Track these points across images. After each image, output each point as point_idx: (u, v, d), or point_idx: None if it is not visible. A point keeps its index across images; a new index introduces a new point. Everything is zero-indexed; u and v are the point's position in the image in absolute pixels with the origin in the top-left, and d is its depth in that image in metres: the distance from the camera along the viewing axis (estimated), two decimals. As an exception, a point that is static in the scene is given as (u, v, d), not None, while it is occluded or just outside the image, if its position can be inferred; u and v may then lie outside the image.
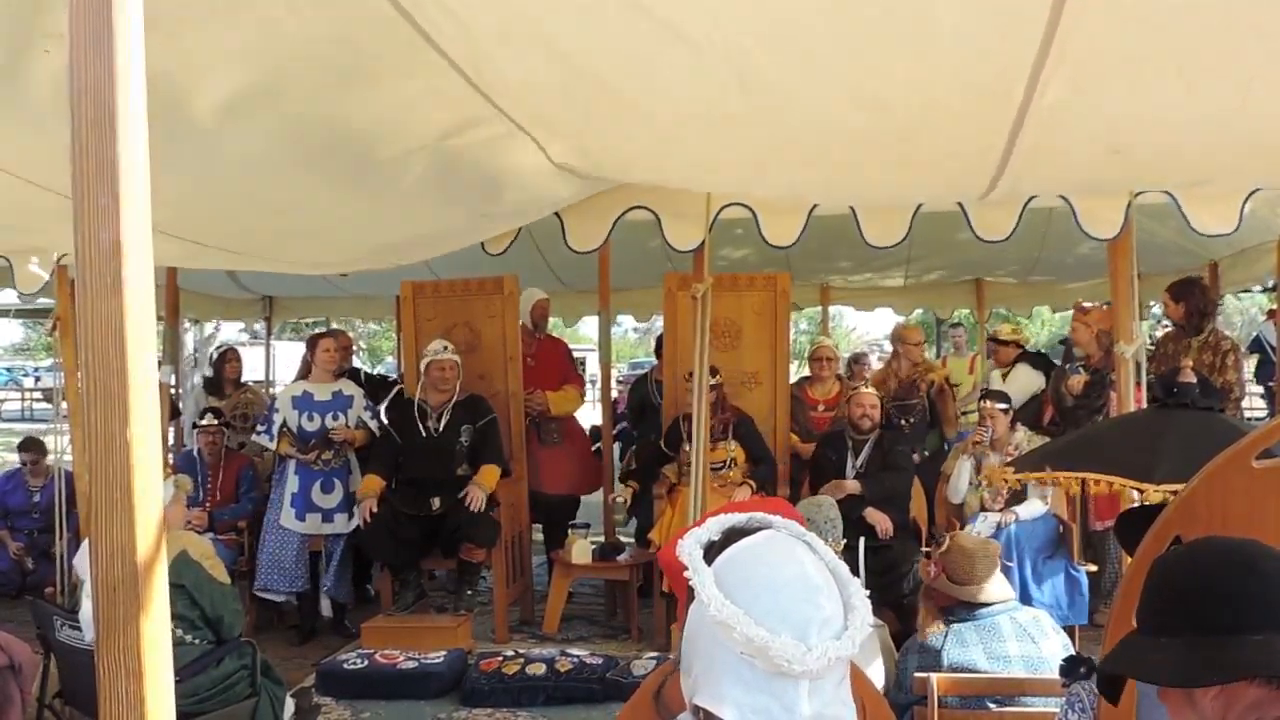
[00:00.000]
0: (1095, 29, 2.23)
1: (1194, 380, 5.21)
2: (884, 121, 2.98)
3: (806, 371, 6.69)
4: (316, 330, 7.78)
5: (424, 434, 5.53)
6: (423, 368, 5.62)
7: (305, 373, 6.11)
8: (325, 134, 3.01)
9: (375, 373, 7.36)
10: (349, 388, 5.87)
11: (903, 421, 6.21)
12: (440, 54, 2.46)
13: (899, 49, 2.43)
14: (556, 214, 4.71)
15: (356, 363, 8.25)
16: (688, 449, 5.46)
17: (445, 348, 5.61)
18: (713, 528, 1.17)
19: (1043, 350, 8.79)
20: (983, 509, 5.08)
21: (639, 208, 4.67)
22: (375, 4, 2.13)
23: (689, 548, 1.13)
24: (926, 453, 6.21)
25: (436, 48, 2.40)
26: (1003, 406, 5.27)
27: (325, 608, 5.69)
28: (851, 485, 5.19)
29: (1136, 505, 2.72)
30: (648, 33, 2.32)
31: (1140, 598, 1.33)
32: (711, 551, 1.14)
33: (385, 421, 5.78)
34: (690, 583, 1.09)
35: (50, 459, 6.39)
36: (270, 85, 2.55)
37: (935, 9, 2.19)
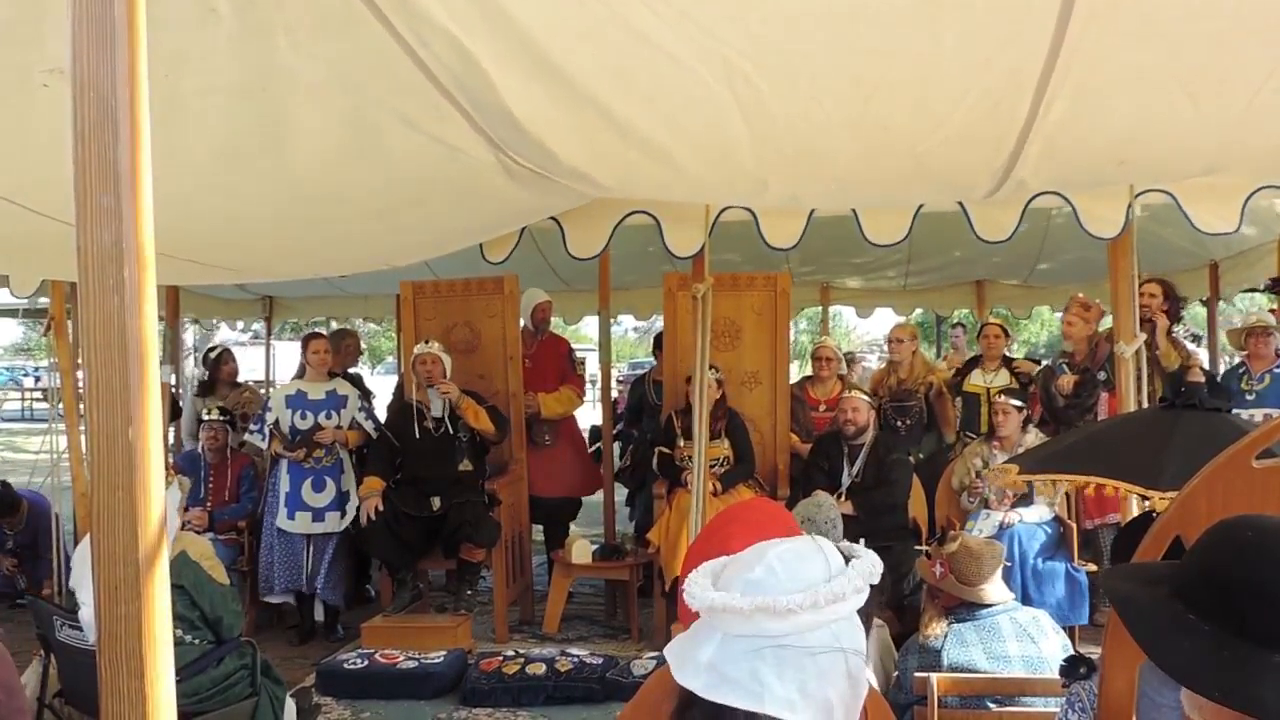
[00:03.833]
0: (1099, 44, 2.23)
1: (1202, 380, 5.23)
2: (887, 143, 2.97)
3: (808, 371, 6.68)
4: (315, 330, 7.77)
5: (420, 434, 5.54)
6: (412, 367, 5.65)
7: (302, 371, 6.11)
8: (324, 174, 3.04)
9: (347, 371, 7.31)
10: (343, 388, 5.86)
11: (899, 423, 6.21)
12: (442, 92, 2.46)
13: (901, 72, 2.43)
14: (556, 220, 4.72)
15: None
16: (682, 445, 5.48)
17: (428, 342, 5.64)
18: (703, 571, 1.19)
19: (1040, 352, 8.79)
20: (985, 507, 5.08)
21: (639, 212, 4.67)
22: (376, 38, 2.13)
23: (698, 586, 1.13)
24: (922, 455, 6.20)
25: (437, 83, 2.41)
26: (1017, 404, 5.27)
27: (318, 611, 5.69)
28: (844, 506, 5.17)
29: (1137, 515, 2.73)
30: (649, 60, 2.32)
31: (1196, 553, 1.22)
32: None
33: (382, 423, 5.78)
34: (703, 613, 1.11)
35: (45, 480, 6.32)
36: (269, 122, 2.57)
37: (937, 30, 2.18)
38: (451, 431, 5.54)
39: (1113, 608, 1.28)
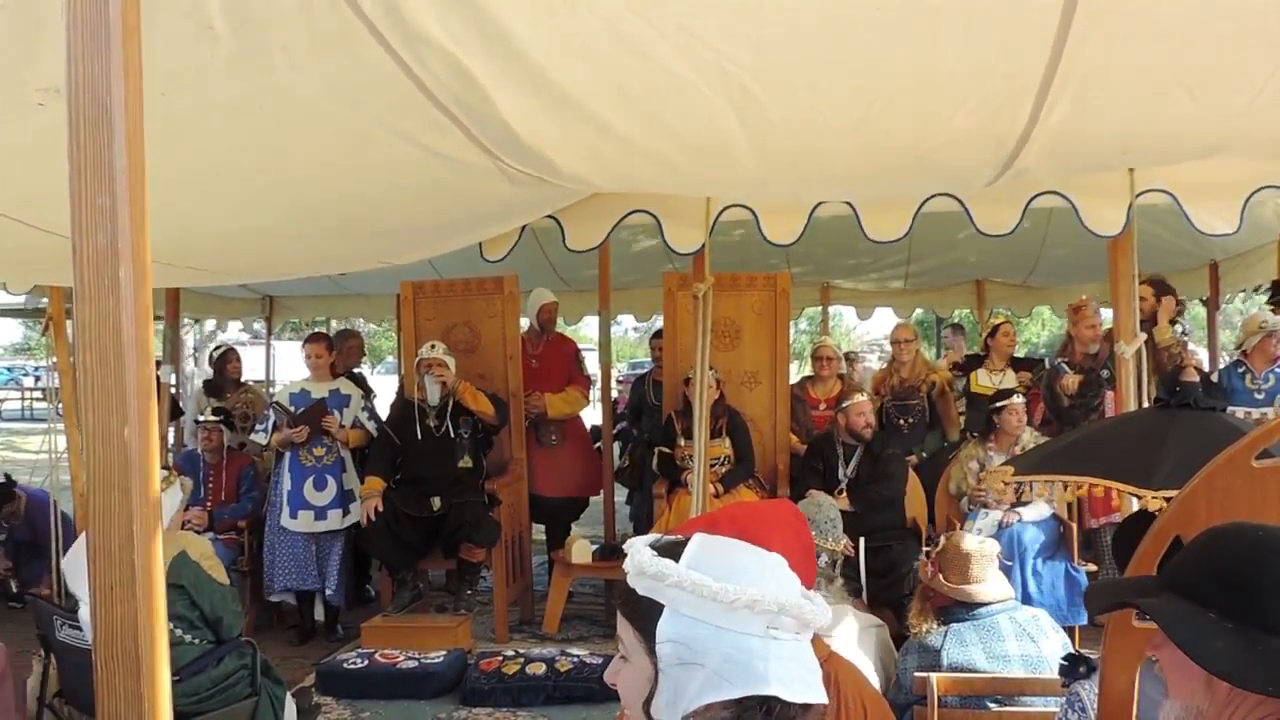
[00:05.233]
0: (1101, 48, 2.22)
1: (1197, 380, 5.23)
2: (887, 147, 2.98)
3: (808, 371, 6.69)
4: (317, 330, 7.80)
5: (421, 433, 5.54)
6: (415, 368, 5.66)
7: None
8: (323, 186, 3.05)
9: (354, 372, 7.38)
10: (347, 387, 5.89)
11: (901, 421, 6.21)
12: (440, 108, 2.47)
13: (902, 80, 2.42)
14: (556, 219, 4.71)
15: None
16: (683, 444, 5.48)
17: (433, 346, 5.64)
18: (639, 543, 1.20)
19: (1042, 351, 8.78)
20: (984, 506, 5.08)
21: (639, 211, 4.66)
22: (373, 57, 2.13)
23: (647, 559, 1.15)
24: (925, 454, 6.20)
25: (435, 100, 2.41)
26: (1023, 404, 5.29)
27: (318, 611, 5.70)
28: (842, 502, 5.17)
29: (1135, 512, 2.73)
30: (647, 74, 2.32)
31: (1199, 557, 1.25)
32: (668, 555, 1.16)
33: (383, 422, 5.79)
34: (662, 591, 1.12)
35: (48, 479, 6.29)
36: (267, 138, 2.57)
37: (938, 34, 2.18)
38: (452, 432, 5.54)
39: (1150, 618, 1.29)
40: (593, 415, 8.66)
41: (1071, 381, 5.49)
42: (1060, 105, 2.54)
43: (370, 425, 5.78)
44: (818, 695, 1.12)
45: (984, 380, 6.21)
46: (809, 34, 2.16)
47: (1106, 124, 2.80)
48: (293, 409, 5.66)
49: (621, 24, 2.06)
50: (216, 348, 7.61)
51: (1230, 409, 5.28)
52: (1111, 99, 2.58)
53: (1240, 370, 5.61)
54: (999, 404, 5.31)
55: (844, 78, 2.41)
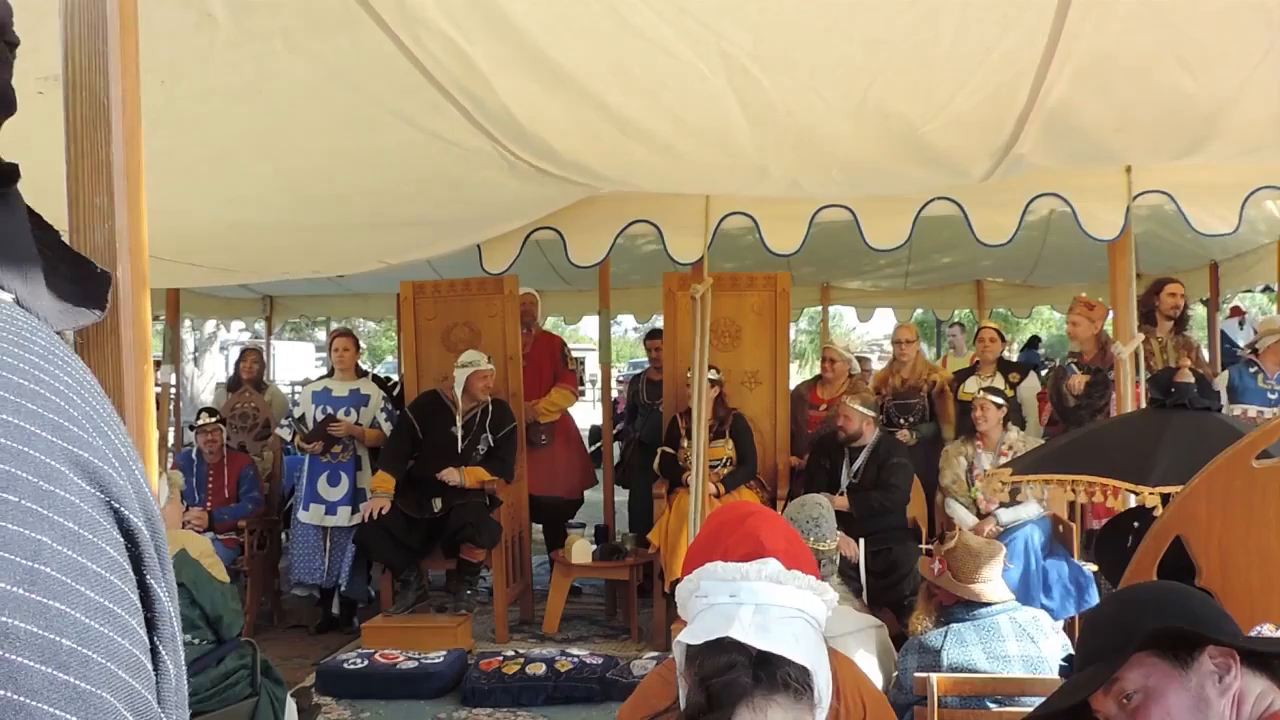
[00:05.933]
0: (1099, 27, 2.23)
1: (1192, 380, 5.22)
2: (887, 128, 2.98)
3: (809, 372, 6.68)
4: (342, 328, 7.89)
5: (443, 437, 5.55)
6: (459, 377, 5.57)
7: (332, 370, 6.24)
8: (323, 175, 3.05)
9: (374, 373, 7.52)
10: (368, 387, 5.96)
11: (901, 421, 6.20)
12: (441, 91, 2.47)
13: (901, 60, 2.43)
14: (558, 230, 4.71)
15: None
16: (686, 445, 5.47)
17: (487, 359, 5.63)
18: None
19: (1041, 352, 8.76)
20: (979, 512, 5.08)
21: (640, 221, 4.66)
22: (372, 39, 2.14)
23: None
24: (923, 438, 6.14)
25: (435, 83, 2.41)
26: (996, 401, 5.26)
27: (334, 604, 5.76)
28: (840, 502, 5.16)
29: (1120, 513, 2.73)
30: (646, 55, 2.33)
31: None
32: None
33: (408, 414, 5.77)
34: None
35: None
36: (267, 125, 2.58)
37: (937, 18, 2.18)
38: (472, 446, 5.55)
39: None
40: (592, 415, 8.66)
41: (1078, 382, 5.49)
42: (1059, 85, 2.55)
43: (387, 427, 5.82)
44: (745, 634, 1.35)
45: (969, 387, 6.19)
46: (808, 14, 2.16)
47: (1103, 103, 2.81)
48: (310, 420, 5.75)
49: (621, 6, 2.07)
50: (236, 344, 7.87)
51: (1242, 407, 5.34)
52: (1109, 77, 2.58)
53: (1252, 370, 5.61)
54: (974, 398, 5.33)
55: (843, 59, 2.42)
